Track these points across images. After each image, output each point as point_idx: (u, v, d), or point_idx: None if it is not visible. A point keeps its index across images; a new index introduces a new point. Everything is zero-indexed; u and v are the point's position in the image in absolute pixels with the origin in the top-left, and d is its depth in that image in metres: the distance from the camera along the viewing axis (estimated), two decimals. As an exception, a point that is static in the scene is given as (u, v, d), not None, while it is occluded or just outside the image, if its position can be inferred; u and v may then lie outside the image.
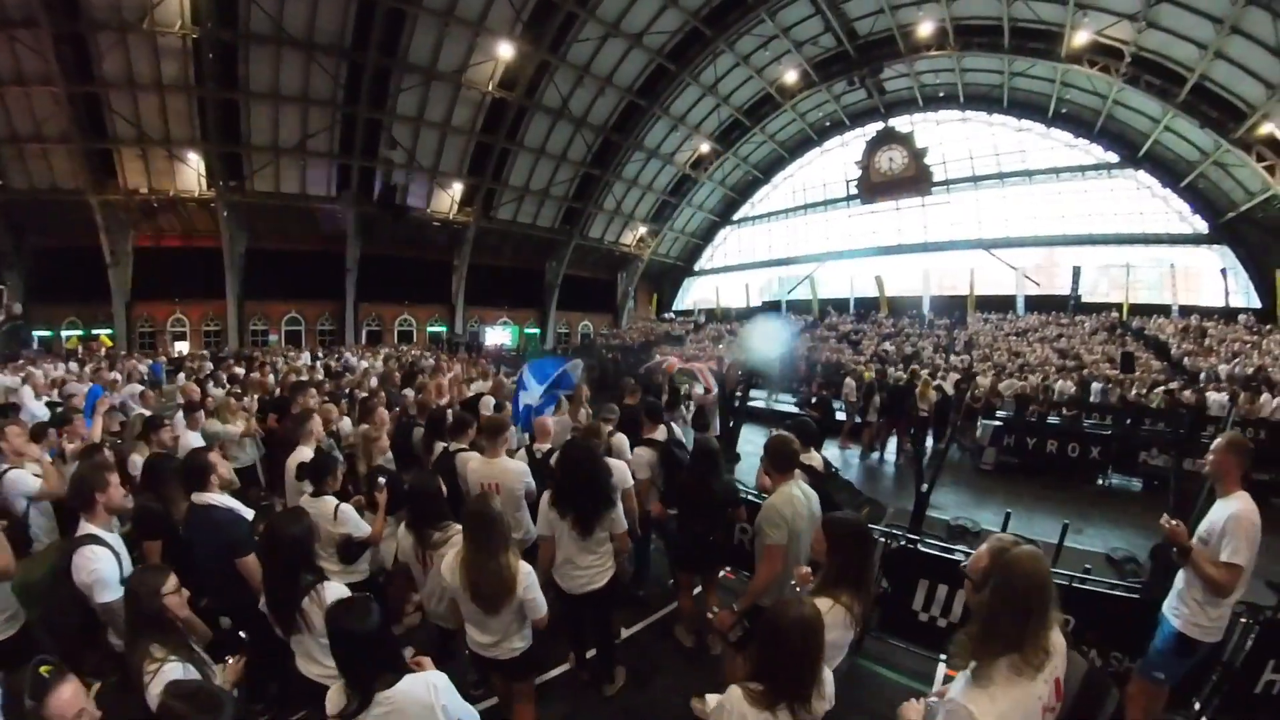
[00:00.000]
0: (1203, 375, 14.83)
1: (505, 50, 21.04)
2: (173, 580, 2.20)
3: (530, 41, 21.44)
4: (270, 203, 23.38)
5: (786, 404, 14.90)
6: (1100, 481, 9.44)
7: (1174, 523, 2.80)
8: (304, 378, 8.75)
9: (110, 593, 2.55)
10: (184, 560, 2.81)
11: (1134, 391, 13.29)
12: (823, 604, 2.02)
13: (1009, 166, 25.14)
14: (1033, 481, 9.20)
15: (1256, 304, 19.22)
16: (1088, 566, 4.04)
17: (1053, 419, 10.98)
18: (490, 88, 22.81)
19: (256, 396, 7.41)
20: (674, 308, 37.11)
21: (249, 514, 3.26)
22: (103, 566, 2.57)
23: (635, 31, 22.65)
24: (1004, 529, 4.98)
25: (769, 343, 19.18)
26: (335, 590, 2.46)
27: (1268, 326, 17.37)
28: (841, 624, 2.12)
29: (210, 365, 13.33)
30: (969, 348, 21.03)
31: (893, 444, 11.37)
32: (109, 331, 22.50)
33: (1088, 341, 19.67)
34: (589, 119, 25.88)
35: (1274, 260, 18.36)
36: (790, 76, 25.75)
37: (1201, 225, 20.69)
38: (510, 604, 2.60)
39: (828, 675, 1.89)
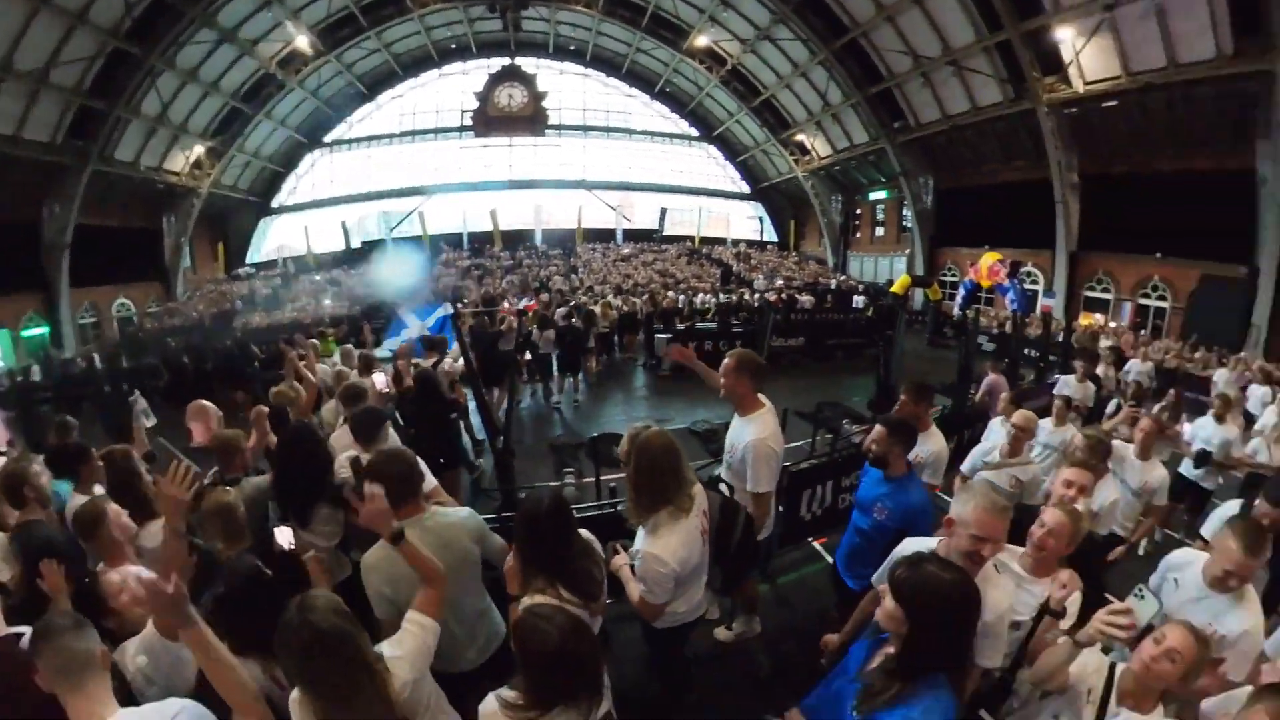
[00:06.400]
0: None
1: None
2: None
3: None
4: None
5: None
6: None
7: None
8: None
9: None
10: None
11: (748, 298, 18.96)
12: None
13: (616, 123, 29.92)
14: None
15: (776, 239, 31.72)
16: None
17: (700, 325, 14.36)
18: None
19: None
20: (250, 260, 26.82)
21: None
22: None
23: None
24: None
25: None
26: None
27: (784, 253, 29.66)
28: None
29: None
30: (586, 274, 24.69)
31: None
32: None
33: (676, 263, 26.93)
34: (139, -40, 15.47)
35: (788, 214, 30.89)
36: (432, -18, 21.96)
37: (745, 188, 31.51)
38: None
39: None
